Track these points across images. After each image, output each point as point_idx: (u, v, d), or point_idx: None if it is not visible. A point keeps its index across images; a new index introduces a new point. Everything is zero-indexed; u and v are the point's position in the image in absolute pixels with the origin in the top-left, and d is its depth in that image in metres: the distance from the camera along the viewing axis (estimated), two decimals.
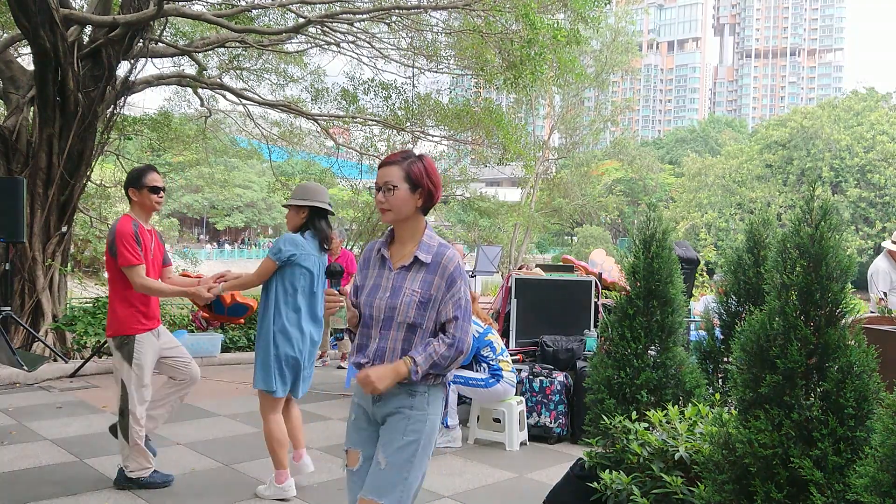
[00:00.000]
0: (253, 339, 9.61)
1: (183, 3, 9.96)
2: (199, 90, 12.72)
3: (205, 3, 10.93)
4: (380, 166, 2.46)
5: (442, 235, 2.62)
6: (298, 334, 3.98)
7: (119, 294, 4.07)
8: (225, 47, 11.72)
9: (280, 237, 4.08)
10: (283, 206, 4.28)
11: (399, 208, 2.38)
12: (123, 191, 4.24)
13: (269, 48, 11.94)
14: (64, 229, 8.29)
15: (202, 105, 13.61)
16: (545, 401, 5.64)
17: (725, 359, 4.58)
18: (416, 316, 2.35)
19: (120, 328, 4.06)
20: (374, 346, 2.39)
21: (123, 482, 4.13)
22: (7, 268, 7.69)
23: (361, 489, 2.38)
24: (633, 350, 3.81)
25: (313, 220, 4.07)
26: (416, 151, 2.50)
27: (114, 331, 4.07)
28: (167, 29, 10.47)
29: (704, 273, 22.35)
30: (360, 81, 12.50)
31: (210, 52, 11.88)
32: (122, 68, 8.63)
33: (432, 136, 13.34)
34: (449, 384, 2.62)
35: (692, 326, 7.43)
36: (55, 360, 7.55)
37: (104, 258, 4.34)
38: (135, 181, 4.14)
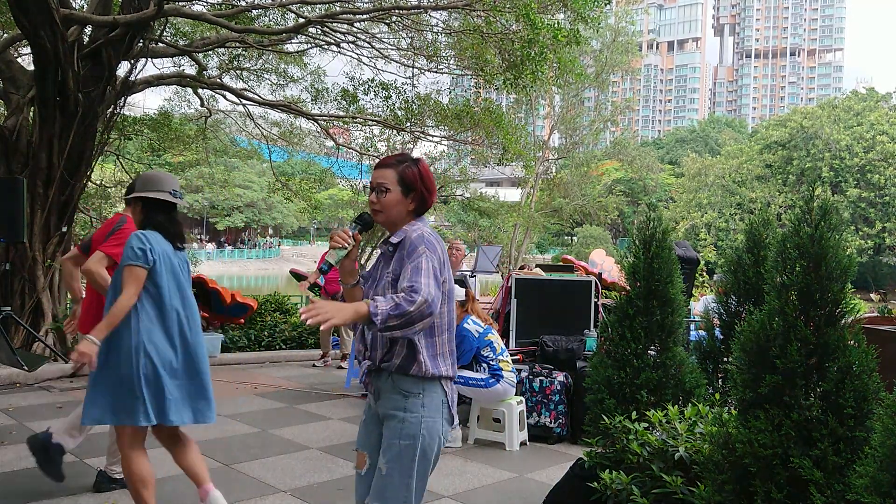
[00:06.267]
0: (253, 338, 9.60)
1: (183, 3, 9.96)
2: (199, 90, 12.71)
3: (205, 3, 10.93)
4: (375, 167, 2.49)
5: (442, 235, 2.55)
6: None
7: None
8: (225, 47, 11.71)
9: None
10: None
11: (390, 210, 2.41)
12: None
13: (269, 48, 11.93)
14: (64, 229, 8.29)
15: (202, 105, 13.60)
16: (545, 401, 5.64)
17: (725, 359, 4.58)
18: None
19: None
20: (370, 336, 2.41)
21: (107, 484, 4.07)
22: (7, 268, 7.69)
23: (367, 494, 2.40)
24: (633, 350, 3.81)
25: (154, 215, 3.45)
26: (415, 154, 2.52)
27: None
28: (167, 29, 10.46)
29: (704, 273, 22.36)
30: (360, 81, 12.48)
31: (210, 53, 11.88)
32: (123, 68, 8.64)
33: (432, 136, 13.33)
34: (449, 385, 2.53)
35: (692, 326, 7.43)
36: (55, 360, 7.55)
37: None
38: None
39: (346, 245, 2.37)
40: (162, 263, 3.31)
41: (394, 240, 2.41)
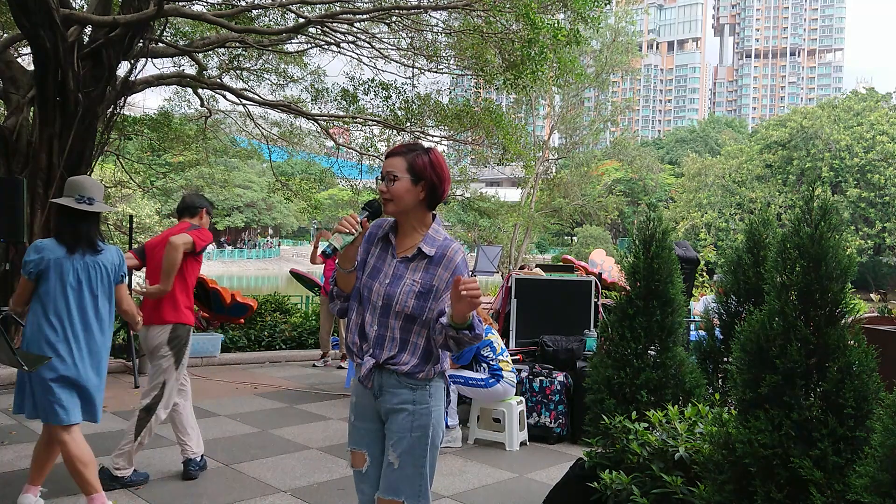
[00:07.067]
0: (253, 338, 9.60)
1: (183, 3, 9.96)
2: (199, 90, 12.70)
3: (205, 3, 10.93)
4: (385, 156, 2.44)
5: None
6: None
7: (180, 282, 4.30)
8: (225, 47, 11.70)
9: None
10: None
11: (399, 199, 2.35)
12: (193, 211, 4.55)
13: (270, 48, 11.92)
14: None
15: (202, 105, 13.59)
16: (545, 401, 5.64)
17: (725, 359, 4.58)
18: (415, 307, 2.32)
19: (181, 316, 4.28)
20: (374, 333, 2.38)
21: (108, 481, 4.12)
22: (7, 268, 7.68)
23: (375, 490, 2.39)
24: (633, 350, 3.81)
25: (57, 220, 3.68)
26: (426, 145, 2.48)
27: (175, 317, 4.25)
28: (167, 29, 10.46)
29: (704, 273, 22.33)
30: (360, 81, 12.47)
31: (210, 52, 11.87)
32: (123, 68, 8.63)
33: (432, 136, 13.31)
34: (449, 377, 2.56)
35: (692, 326, 7.43)
36: None
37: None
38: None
39: (354, 231, 2.33)
40: (52, 271, 3.54)
41: (427, 250, 2.36)
